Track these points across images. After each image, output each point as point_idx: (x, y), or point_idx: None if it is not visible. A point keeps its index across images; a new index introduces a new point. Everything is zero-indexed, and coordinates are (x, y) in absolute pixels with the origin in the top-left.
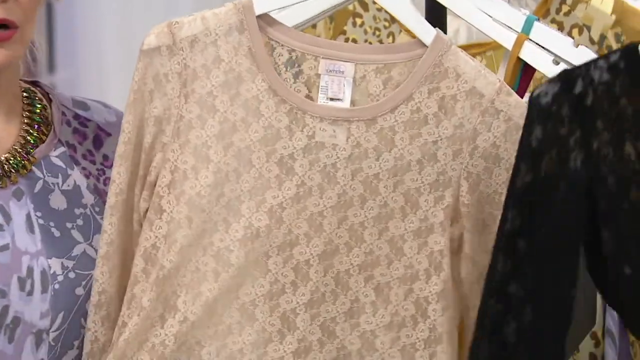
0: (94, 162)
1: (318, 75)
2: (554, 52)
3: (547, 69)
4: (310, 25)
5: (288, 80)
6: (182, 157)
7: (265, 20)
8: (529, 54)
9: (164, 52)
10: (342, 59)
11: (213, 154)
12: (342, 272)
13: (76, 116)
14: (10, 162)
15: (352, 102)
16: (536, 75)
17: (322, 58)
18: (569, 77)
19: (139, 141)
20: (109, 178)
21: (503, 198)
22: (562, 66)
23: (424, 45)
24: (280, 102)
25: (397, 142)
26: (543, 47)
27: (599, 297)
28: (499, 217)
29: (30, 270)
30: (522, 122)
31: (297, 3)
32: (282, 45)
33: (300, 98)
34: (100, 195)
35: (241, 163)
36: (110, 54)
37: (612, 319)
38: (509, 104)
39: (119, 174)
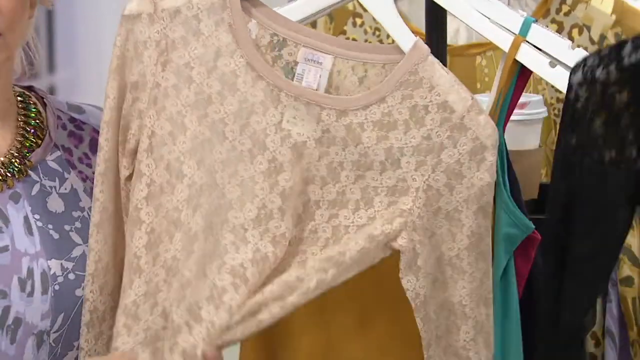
0: (90, 166)
1: (296, 63)
2: (551, 54)
3: (543, 71)
4: (309, 23)
5: (267, 62)
6: (159, 123)
7: (251, 2)
8: (526, 56)
9: (144, 20)
10: (322, 50)
11: (188, 122)
12: (293, 243)
13: (72, 119)
14: (7, 166)
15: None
16: (534, 76)
17: (303, 46)
18: (618, 43)
19: (121, 107)
20: None
21: (463, 216)
22: (559, 69)
23: (402, 51)
24: (257, 78)
25: (364, 139)
26: (540, 49)
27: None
28: (458, 234)
29: (30, 271)
30: (488, 142)
31: None
32: (265, 28)
33: (277, 76)
34: None
35: (214, 134)
36: (110, 54)
37: (612, 319)
38: (478, 123)
39: (106, 141)
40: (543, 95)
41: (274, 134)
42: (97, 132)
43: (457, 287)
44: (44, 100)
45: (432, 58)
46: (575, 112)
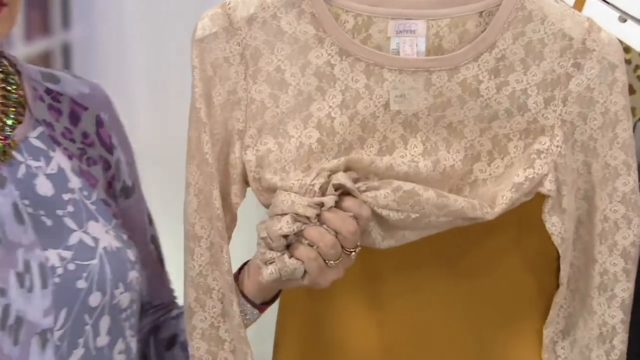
0: (73, 141)
1: (388, 38)
2: (621, 7)
3: (612, 27)
4: None
5: (359, 44)
6: (262, 139)
7: None
8: (593, 11)
9: (221, 35)
10: (412, 17)
11: (292, 129)
12: None
13: (48, 91)
14: None
15: None
16: None
17: (391, 19)
18: None
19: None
20: (91, 158)
21: (598, 145)
22: (630, 24)
23: None
24: (354, 62)
25: (483, 91)
26: (608, 3)
27: None
28: (594, 165)
29: (27, 264)
30: (616, 60)
31: None
32: (346, 11)
33: (375, 53)
34: (86, 177)
35: (324, 133)
36: (130, 8)
37: None
38: (602, 41)
39: (193, 174)
40: None
41: (383, 115)
42: (75, 103)
43: (594, 228)
44: (17, 67)
45: None
46: None
